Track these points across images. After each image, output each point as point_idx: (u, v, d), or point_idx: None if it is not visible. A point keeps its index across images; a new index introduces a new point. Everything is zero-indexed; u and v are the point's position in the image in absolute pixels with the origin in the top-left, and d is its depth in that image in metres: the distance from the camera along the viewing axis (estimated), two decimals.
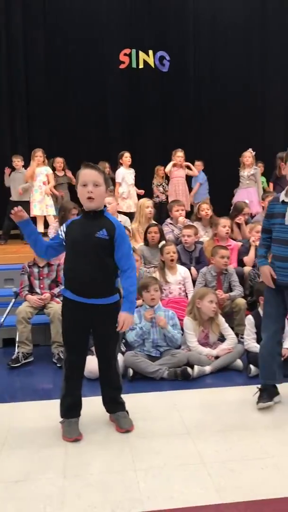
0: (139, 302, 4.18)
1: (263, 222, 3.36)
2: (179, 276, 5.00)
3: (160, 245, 5.27)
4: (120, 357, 3.34)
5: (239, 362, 4.05)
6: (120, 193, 7.45)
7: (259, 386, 3.33)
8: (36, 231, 3.01)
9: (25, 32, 9.52)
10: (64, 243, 2.89)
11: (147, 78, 10.27)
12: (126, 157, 7.58)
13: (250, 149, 7.82)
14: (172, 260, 4.97)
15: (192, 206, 7.78)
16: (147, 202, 6.17)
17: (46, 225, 7.35)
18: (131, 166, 7.70)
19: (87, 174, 2.80)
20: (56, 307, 4.25)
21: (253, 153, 7.80)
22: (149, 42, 10.19)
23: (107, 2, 9.87)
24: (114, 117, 10.24)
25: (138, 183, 7.88)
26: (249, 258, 5.35)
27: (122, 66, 10.06)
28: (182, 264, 5.24)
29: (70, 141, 9.42)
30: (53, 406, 3.05)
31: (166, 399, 3.46)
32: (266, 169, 8.93)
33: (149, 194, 8.38)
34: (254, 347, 3.93)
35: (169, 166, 7.82)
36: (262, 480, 2.42)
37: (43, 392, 3.71)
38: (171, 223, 6.02)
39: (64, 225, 2.93)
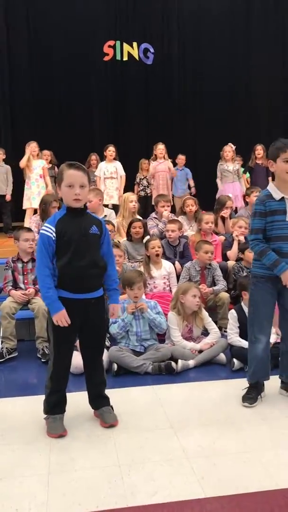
0: (124, 296, 4.20)
1: (256, 222, 3.18)
2: (164, 270, 5.02)
3: (144, 240, 5.28)
4: (104, 352, 3.35)
5: (222, 356, 4.09)
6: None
7: (250, 382, 3.34)
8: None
9: (8, 23, 9.42)
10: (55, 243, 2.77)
11: (131, 70, 10.24)
12: (110, 150, 7.55)
13: (231, 144, 7.86)
14: (157, 255, 4.98)
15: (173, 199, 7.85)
16: (131, 196, 6.17)
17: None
18: (115, 159, 7.66)
19: (73, 176, 2.79)
20: (40, 302, 4.24)
21: (233, 147, 7.84)
22: (133, 34, 10.15)
23: None
24: (98, 109, 10.21)
25: None
26: (233, 252, 5.40)
27: (106, 58, 10.01)
28: (167, 258, 5.25)
29: (54, 133, 9.36)
30: (38, 402, 3.05)
31: (150, 393, 3.48)
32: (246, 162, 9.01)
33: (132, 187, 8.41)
34: (238, 341, 3.97)
35: (151, 170, 8.00)
36: (245, 473, 2.46)
37: (28, 388, 3.71)
38: (155, 218, 6.03)
39: (49, 225, 2.79)
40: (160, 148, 7.94)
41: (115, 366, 3.83)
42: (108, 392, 3.11)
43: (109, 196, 7.39)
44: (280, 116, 10.96)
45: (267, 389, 3.37)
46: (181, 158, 8.95)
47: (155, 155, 8.01)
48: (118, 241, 5.35)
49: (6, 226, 8.23)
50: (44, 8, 9.57)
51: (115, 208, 6.96)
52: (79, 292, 2.83)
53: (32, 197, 7.31)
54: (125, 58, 10.09)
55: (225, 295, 4.76)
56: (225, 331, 4.32)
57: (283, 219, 3.12)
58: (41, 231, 2.84)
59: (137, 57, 10.16)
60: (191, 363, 3.97)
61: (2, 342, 4.28)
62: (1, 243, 6.83)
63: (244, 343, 3.73)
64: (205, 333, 4.30)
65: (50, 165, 8.13)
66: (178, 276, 5.04)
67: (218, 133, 9.61)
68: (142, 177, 8.70)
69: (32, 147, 7.35)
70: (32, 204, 7.25)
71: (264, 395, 3.35)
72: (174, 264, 5.17)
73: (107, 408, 3.04)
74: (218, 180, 7.95)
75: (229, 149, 7.76)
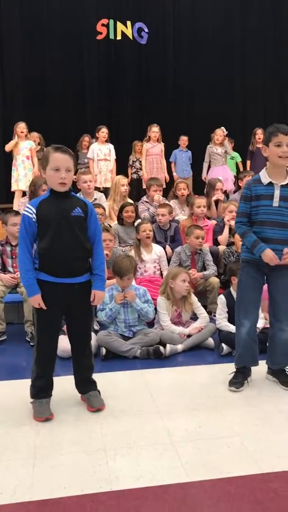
0: (112, 281, 4.19)
1: (240, 206, 3.22)
2: (155, 254, 5.01)
3: (136, 224, 5.26)
4: (93, 336, 3.35)
5: (210, 341, 4.11)
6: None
7: (237, 366, 3.36)
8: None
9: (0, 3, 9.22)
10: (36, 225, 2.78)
11: (124, 50, 10.08)
12: (103, 132, 7.44)
13: (223, 128, 7.76)
14: (148, 237, 4.95)
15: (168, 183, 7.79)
16: (122, 180, 6.11)
17: None
18: (107, 141, 7.57)
19: (60, 159, 2.75)
20: None
21: (226, 132, 7.74)
22: (127, 13, 9.96)
23: None
24: (91, 89, 10.05)
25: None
26: (223, 237, 5.39)
27: (99, 37, 9.83)
28: (157, 242, 5.24)
29: (45, 114, 9.24)
30: (26, 385, 3.04)
31: (138, 378, 3.50)
32: (239, 144, 8.93)
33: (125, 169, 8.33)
34: (226, 326, 3.99)
35: (144, 153, 7.88)
36: (228, 458, 2.49)
37: (16, 371, 3.71)
38: (146, 201, 5.99)
39: (30, 206, 2.80)
40: (155, 131, 7.79)
41: (103, 350, 3.84)
42: (96, 376, 3.12)
43: (105, 179, 7.32)
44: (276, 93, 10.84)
45: (253, 374, 3.39)
46: (183, 139, 8.67)
47: (149, 136, 7.89)
48: (109, 225, 5.32)
49: None
50: None
51: (107, 191, 6.89)
52: (62, 276, 2.80)
53: (19, 179, 7.19)
54: (119, 37, 9.91)
55: (215, 280, 4.76)
56: (215, 316, 4.33)
57: (269, 204, 3.10)
58: (23, 212, 2.84)
59: (131, 37, 9.98)
60: (180, 347, 3.98)
61: None
62: None
63: (232, 328, 3.73)
64: (194, 317, 4.30)
65: (39, 147, 8.01)
66: (168, 261, 5.03)
67: (213, 115, 9.50)
68: (135, 160, 8.60)
69: (20, 127, 7.22)
70: (19, 186, 7.14)
71: (251, 380, 3.37)
72: (164, 248, 5.15)
73: (94, 393, 3.05)
74: (204, 164, 7.88)
75: (220, 133, 7.66)
